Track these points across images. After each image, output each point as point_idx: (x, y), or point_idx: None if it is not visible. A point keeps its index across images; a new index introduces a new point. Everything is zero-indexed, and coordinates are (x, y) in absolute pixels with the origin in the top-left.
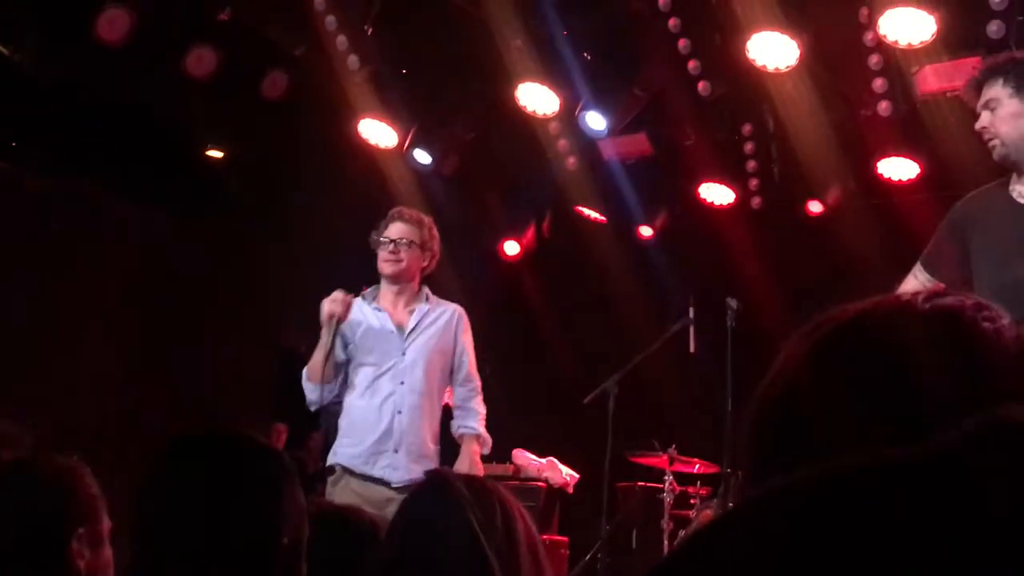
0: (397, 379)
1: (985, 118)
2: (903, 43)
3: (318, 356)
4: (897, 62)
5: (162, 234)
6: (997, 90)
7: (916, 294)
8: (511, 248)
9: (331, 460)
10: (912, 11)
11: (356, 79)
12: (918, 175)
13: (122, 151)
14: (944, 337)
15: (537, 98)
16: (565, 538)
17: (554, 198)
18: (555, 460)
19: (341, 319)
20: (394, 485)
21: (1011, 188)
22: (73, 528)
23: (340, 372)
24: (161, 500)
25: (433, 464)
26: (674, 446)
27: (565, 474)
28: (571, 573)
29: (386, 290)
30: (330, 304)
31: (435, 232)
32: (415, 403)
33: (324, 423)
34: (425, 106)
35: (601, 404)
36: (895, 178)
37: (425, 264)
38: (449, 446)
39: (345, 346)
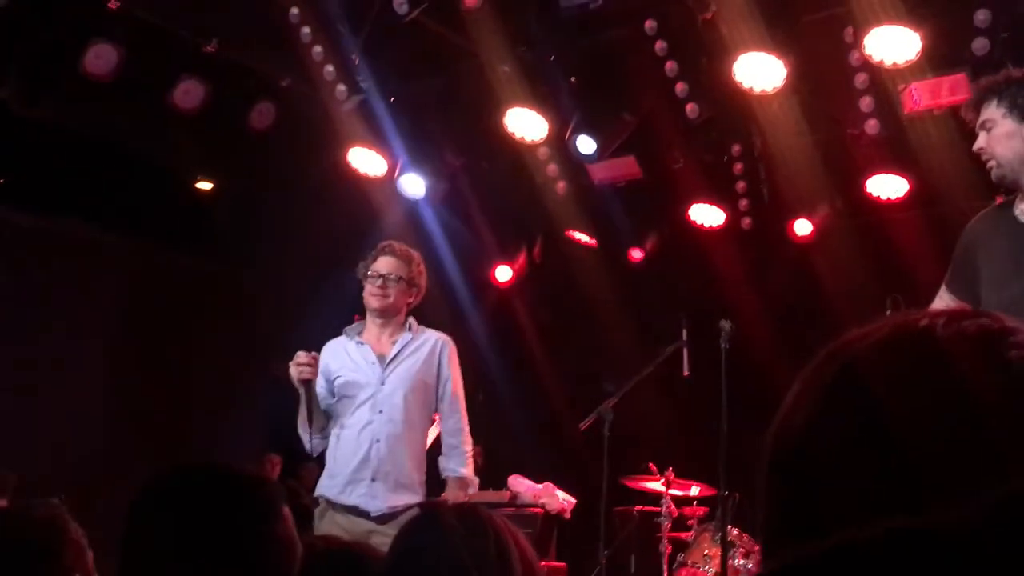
0: (376, 408)
1: (982, 139)
2: (888, 62)
3: (302, 413)
4: (883, 81)
5: (150, 268)
6: (992, 110)
7: (936, 317)
8: (503, 274)
9: (316, 492)
10: (897, 29)
11: (344, 108)
12: (907, 192)
13: (111, 186)
14: (968, 369)
15: (526, 124)
16: (563, 564)
17: (545, 223)
18: (552, 485)
19: (310, 378)
20: (372, 515)
21: (1015, 207)
22: (71, 572)
23: (331, 419)
24: (144, 534)
25: (415, 493)
26: (670, 469)
27: (562, 499)
28: None
29: (371, 323)
30: (296, 369)
31: (423, 268)
32: (394, 432)
33: (318, 455)
34: (414, 134)
35: (596, 429)
36: (884, 196)
37: (411, 300)
38: (437, 475)
39: (330, 383)
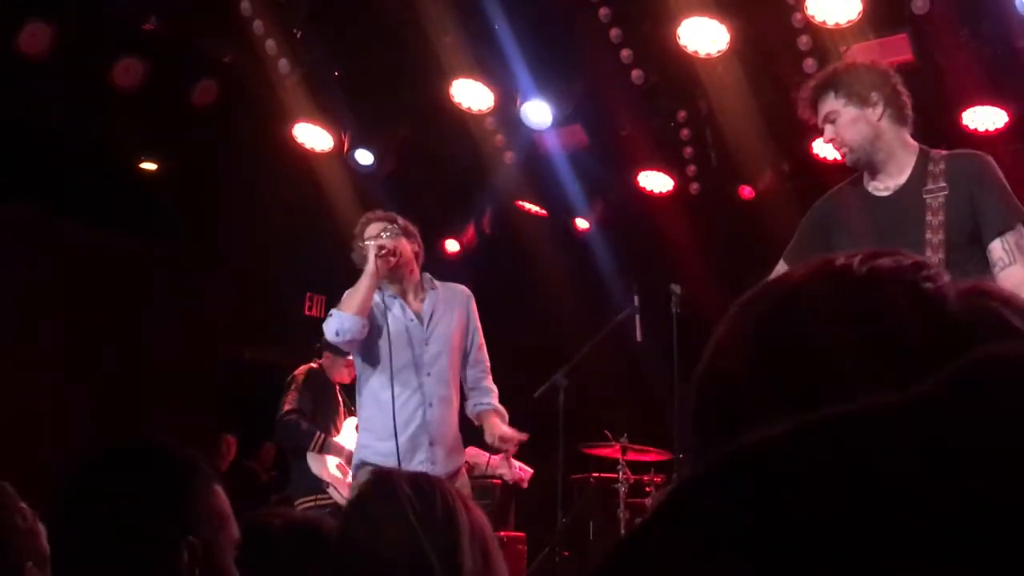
0: (423, 370)
1: (829, 131)
2: (831, 23)
3: (364, 284)
4: (826, 42)
5: (95, 251)
6: (831, 103)
7: (851, 256)
8: (451, 246)
9: (359, 457)
10: None
11: (288, 83)
12: None
13: (51, 169)
14: (884, 301)
15: (472, 94)
16: (522, 534)
17: (494, 194)
18: (509, 455)
19: (391, 253)
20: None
21: (867, 184)
22: (21, 564)
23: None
24: (73, 517)
25: (461, 455)
26: (626, 436)
27: (519, 469)
28: (530, 568)
29: (393, 288)
30: (376, 249)
31: (409, 224)
32: (443, 394)
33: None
34: (360, 107)
35: (551, 398)
36: (829, 157)
37: (416, 248)
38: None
39: (368, 334)
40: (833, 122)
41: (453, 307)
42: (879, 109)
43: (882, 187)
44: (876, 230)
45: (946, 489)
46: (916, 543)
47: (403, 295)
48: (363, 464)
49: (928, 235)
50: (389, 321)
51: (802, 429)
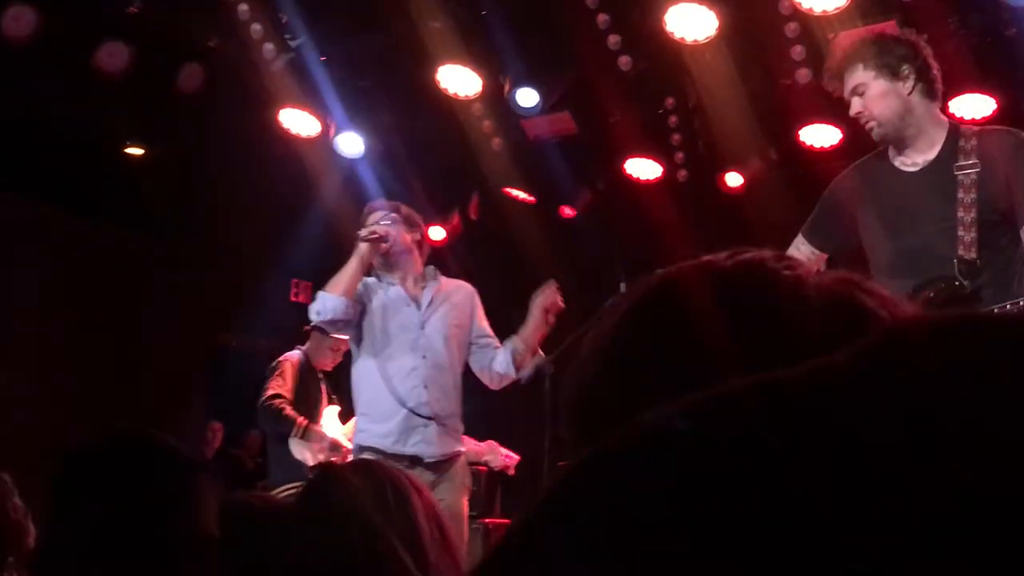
0: (418, 353)
1: (856, 104)
2: (818, 10)
3: (349, 266)
4: (813, 29)
5: (81, 239)
6: (860, 74)
7: (720, 254)
8: (439, 232)
9: (357, 441)
10: None
11: (273, 68)
12: (840, 141)
13: (35, 156)
14: (746, 288)
15: (459, 80)
16: (508, 520)
17: (481, 180)
18: (494, 443)
19: (381, 239)
20: (426, 460)
21: (893, 159)
22: (3, 556)
23: (357, 306)
24: (57, 511)
25: (458, 442)
26: None
27: (505, 456)
28: None
29: (392, 278)
30: (367, 232)
31: (404, 208)
32: (440, 378)
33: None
34: (347, 93)
35: (537, 384)
36: (817, 145)
37: (417, 237)
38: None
39: (362, 314)
40: (861, 95)
41: (454, 300)
42: (910, 83)
43: (910, 162)
44: (902, 206)
45: (929, 475)
46: (901, 527)
47: (402, 282)
48: (362, 448)
49: (960, 213)
50: (385, 305)
51: (754, 391)
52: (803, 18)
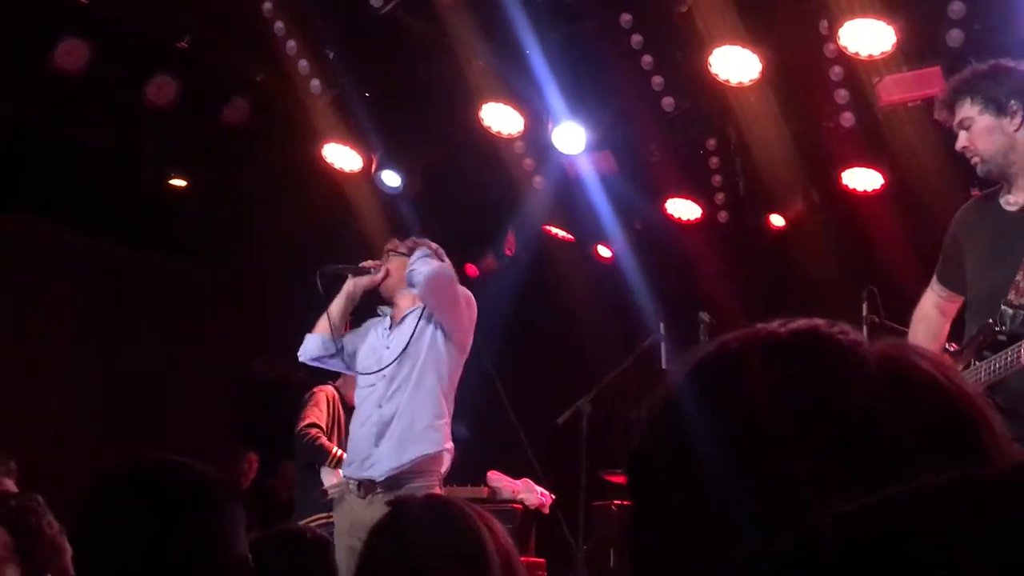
0: (381, 373)
1: (963, 138)
2: (864, 54)
3: (333, 303)
4: (858, 73)
5: (124, 267)
6: (967, 108)
7: (774, 323)
8: (478, 268)
9: (343, 474)
10: (872, 22)
11: (319, 104)
12: (882, 185)
13: (83, 184)
14: (803, 356)
15: (501, 118)
16: (542, 560)
17: (520, 218)
18: (530, 481)
19: (366, 271)
20: (378, 480)
21: (1001, 197)
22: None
23: (351, 342)
24: (94, 535)
25: (422, 446)
26: None
27: (540, 494)
28: None
29: (391, 312)
30: (359, 268)
31: (418, 240)
32: (396, 389)
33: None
34: (390, 129)
35: (574, 424)
36: (859, 188)
37: None
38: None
39: (351, 350)
40: (967, 129)
41: (427, 310)
42: (1017, 119)
43: (1012, 201)
44: (994, 245)
45: None
46: None
47: (395, 316)
48: (292, 499)
49: None
50: (370, 339)
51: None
52: (848, 62)
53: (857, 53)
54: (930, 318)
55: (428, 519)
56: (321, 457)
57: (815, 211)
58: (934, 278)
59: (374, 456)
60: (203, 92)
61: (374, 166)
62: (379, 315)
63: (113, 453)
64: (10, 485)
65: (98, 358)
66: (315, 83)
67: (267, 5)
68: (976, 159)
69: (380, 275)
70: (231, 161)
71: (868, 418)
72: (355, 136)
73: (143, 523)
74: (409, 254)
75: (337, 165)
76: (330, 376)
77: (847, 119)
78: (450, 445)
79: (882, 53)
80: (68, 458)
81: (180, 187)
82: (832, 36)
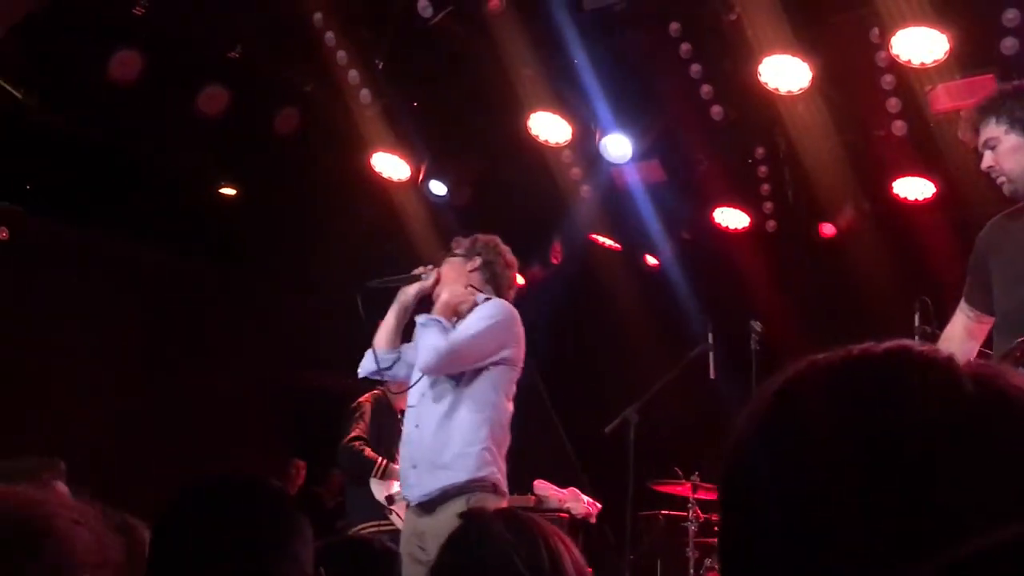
0: (419, 391)
1: (988, 158)
2: (916, 62)
3: (388, 315)
4: (910, 82)
5: (174, 275)
6: (992, 128)
7: (876, 343)
8: (525, 277)
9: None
10: (924, 30)
11: (368, 113)
12: (934, 194)
13: (134, 193)
14: (898, 378)
15: (549, 127)
16: (589, 569)
17: (567, 227)
18: (576, 490)
19: (416, 278)
20: (412, 504)
21: None
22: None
23: (399, 353)
24: (173, 546)
25: (450, 473)
26: (697, 473)
27: (587, 504)
28: None
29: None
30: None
31: (491, 242)
32: (430, 411)
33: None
34: (438, 138)
35: (622, 433)
36: (911, 198)
37: (473, 267)
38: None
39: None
40: (993, 149)
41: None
42: None
43: None
44: (1021, 263)
45: None
46: None
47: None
48: (343, 506)
49: None
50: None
51: None
52: (899, 70)
53: (909, 61)
54: (960, 340)
55: (501, 533)
56: (367, 469)
57: (866, 220)
58: (962, 300)
59: (411, 479)
60: (253, 102)
61: (422, 175)
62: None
63: (162, 462)
64: (62, 487)
65: (144, 366)
66: (364, 93)
67: (317, 16)
68: (1003, 179)
69: (431, 281)
70: (281, 170)
71: (968, 438)
72: (403, 145)
73: (221, 537)
74: (466, 255)
75: (386, 174)
76: (376, 382)
77: (899, 128)
78: (488, 471)
79: (935, 61)
80: (118, 467)
81: (230, 196)
82: (884, 44)
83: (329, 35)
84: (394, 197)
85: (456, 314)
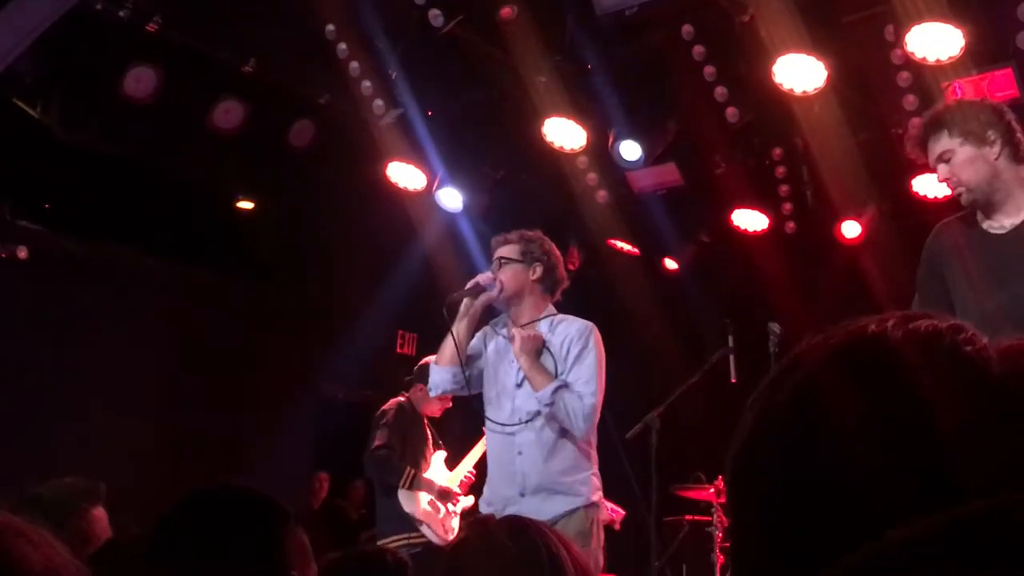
0: (516, 414)
1: (944, 170)
2: (931, 59)
3: (455, 329)
4: (926, 78)
5: (193, 289)
6: (945, 142)
7: (885, 320)
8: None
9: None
10: (939, 26)
11: (382, 123)
12: (954, 191)
13: (152, 208)
14: (926, 369)
15: (564, 133)
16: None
17: (585, 232)
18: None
19: (482, 289)
20: None
21: (981, 223)
22: None
23: (469, 365)
24: (162, 561)
25: (572, 496)
26: (720, 478)
27: (611, 510)
28: None
29: (509, 320)
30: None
31: (546, 243)
32: (534, 439)
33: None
34: (453, 147)
35: (644, 439)
36: (931, 195)
37: (536, 276)
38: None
39: (471, 367)
40: (947, 161)
41: (554, 343)
42: (996, 148)
43: (997, 225)
44: (989, 268)
45: None
46: None
47: (515, 325)
48: (367, 518)
49: None
50: (491, 359)
51: None
52: (915, 67)
53: (925, 58)
54: None
55: (503, 541)
56: (394, 478)
57: (885, 219)
58: (915, 302)
59: (520, 505)
60: (268, 115)
61: (437, 184)
62: (491, 326)
63: (184, 475)
64: (101, 514)
65: (163, 380)
66: (378, 103)
67: (330, 27)
68: (960, 190)
69: (496, 290)
70: (297, 183)
71: (996, 418)
72: (418, 155)
73: (204, 548)
74: (524, 261)
75: (401, 184)
76: (402, 389)
77: (916, 125)
78: (598, 496)
79: (950, 57)
80: (147, 478)
81: (247, 209)
82: (899, 42)
83: (342, 47)
84: (410, 207)
85: (539, 353)
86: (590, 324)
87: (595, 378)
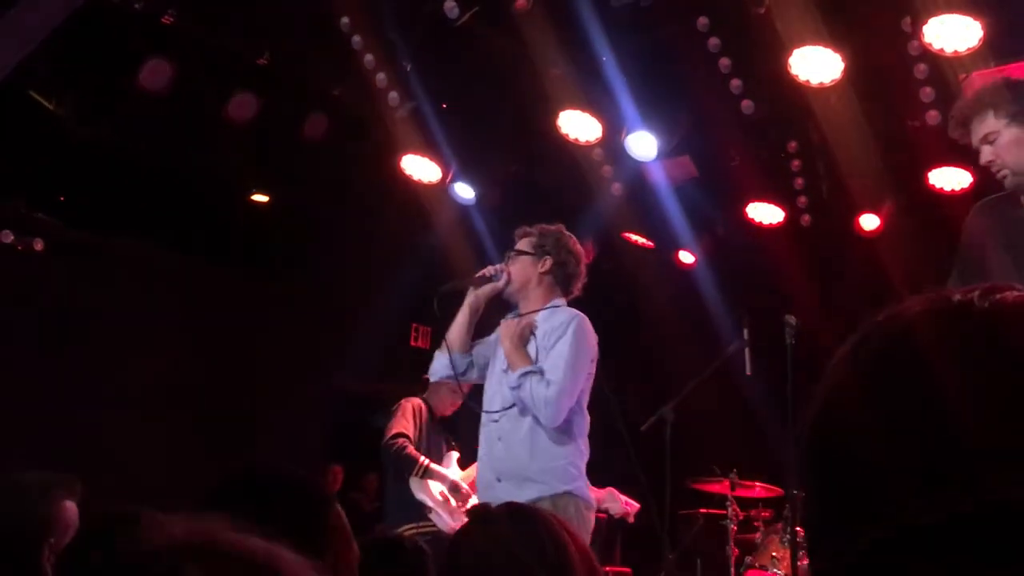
0: (501, 401)
1: (987, 152)
2: (949, 51)
3: (458, 317)
4: (944, 70)
5: (208, 281)
6: (991, 122)
7: (968, 291)
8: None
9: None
10: (957, 18)
11: (397, 116)
12: (971, 184)
13: (167, 201)
14: (1012, 340)
15: (579, 125)
16: (628, 569)
17: (600, 225)
18: (614, 490)
19: (488, 279)
20: None
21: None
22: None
23: (477, 355)
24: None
25: (539, 486)
26: (735, 471)
27: (625, 503)
28: None
29: (519, 312)
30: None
31: (561, 234)
32: (512, 426)
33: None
34: (467, 139)
35: (658, 431)
36: (947, 188)
37: (544, 269)
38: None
39: (477, 355)
40: (992, 143)
41: (542, 329)
42: None
43: None
44: None
45: None
46: None
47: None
48: (379, 510)
49: None
50: (492, 348)
51: None
52: (932, 59)
53: (942, 50)
54: None
55: (505, 529)
56: (409, 466)
57: (901, 212)
58: (953, 279)
59: (497, 491)
60: (283, 108)
61: (451, 177)
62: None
63: (198, 467)
64: (72, 507)
65: (177, 372)
66: (393, 96)
67: (344, 20)
68: (1005, 172)
69: (502, 281)
70: (311, 175)
71: None
72: (432, 147)
73: (256, 524)
74: (535, 254)
75: (416, 177)
76: (416, 388)
77: (933, 117)
78: (574, 485)
79: (968, 49)
80: (162, 472)
81: (262, 203)
82: (916, 33)
83: (356, 39)
84: (425, 199)
85: (524, 340)
86: (577, 314)
87: (566, 367)
